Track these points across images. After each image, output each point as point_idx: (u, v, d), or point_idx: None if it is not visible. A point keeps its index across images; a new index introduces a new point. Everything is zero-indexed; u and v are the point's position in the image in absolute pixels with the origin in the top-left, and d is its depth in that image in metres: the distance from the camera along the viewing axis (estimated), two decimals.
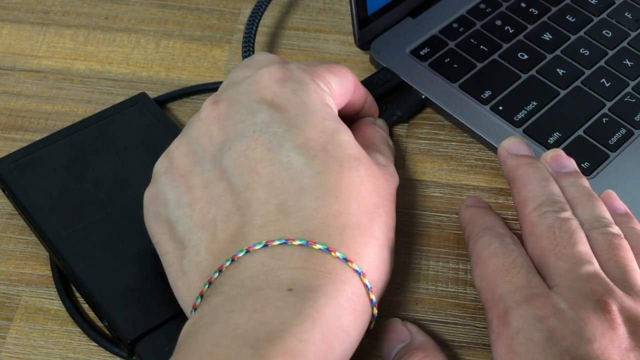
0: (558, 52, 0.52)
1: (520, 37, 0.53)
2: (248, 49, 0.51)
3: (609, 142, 0.47)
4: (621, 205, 0.43)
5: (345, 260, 0.34)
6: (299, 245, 0.34)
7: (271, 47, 0.55)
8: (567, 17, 0.54)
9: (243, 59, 0.51)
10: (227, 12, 0.57)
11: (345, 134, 0.38)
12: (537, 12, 0.55)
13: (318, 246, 0.34)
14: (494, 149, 0.47)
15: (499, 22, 0.54)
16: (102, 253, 0.41)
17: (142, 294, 0.39)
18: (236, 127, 0.37)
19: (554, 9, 0.55)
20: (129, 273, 0.40)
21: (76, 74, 0.52)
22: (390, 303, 0.41)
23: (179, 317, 0.38)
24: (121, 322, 0.38)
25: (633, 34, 0.53)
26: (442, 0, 0.55)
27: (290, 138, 0.36)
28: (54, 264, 0.42)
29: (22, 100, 0.51)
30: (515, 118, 0.48)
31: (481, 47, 0.52)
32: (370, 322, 0.35)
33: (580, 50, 0.52)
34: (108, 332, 0.40)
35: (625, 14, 0.55)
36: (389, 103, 0.50)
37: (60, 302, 0.41)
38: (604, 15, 0.55)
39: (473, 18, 0.54)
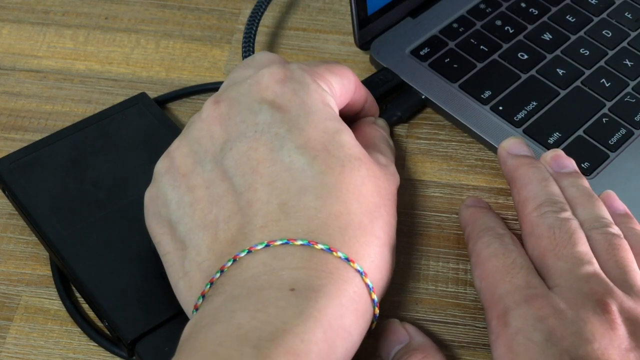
0: (558, 52, 0.52)
1: (520, 37, 0.53)
2: (248, 49, 0.51)
3: (609, 142, 0.47)
4: (621, 206, 0.43)
5: (347, 260, 0.34)
6: (301, 245, 0.34)
7: (271, 47, 0.55)
8: (567, 17, 0.54)
9: (243, 59, 0.51)
10: (227, 12, 0.57)
11: (347, 134, 0.38)
12: (537, 12, 0.55)
13: (320, 246, 0.34)
14: (494, 149, 0.47)
15: (499, 22, 0.54)
16: (102, 253, 0.41)
17: (142, 294, 0.39)
18: (237, 127, 0.37)
19: (554, 9, 0.55)
20: (129, 273, 0.40)
21: (76, 74, 0.52)
22: (391, 303, 0.41)
23: (179, 317, 0.38)
24: (121, 322, 0.38)
25: (633, 34, 0.53)
26: (442, 0, 0.55)
27: (292, 138, 0.36)
28: (54, 264, 0.42)
29: (22, 100, 0.51)
30: (515, 118, 0.48)
31: (481, 47, 0.52)
32: (372, 322, 0.35)
33: (580, 50, 0.52)
34: (108, 332, 0.40)
35: (625, 14, 0.55)
36: (389, 103, 0.50)
37: (60, 302, 0.41)
38: (604, 15, 0.55)
39: (473, 18, 0.54)
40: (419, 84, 0.50)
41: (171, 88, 0.52)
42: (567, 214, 0.40)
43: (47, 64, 0.53)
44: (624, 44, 0.53)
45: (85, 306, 0.41)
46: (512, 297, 0.36)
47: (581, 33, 0.53)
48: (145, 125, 0.47)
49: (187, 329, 0.33)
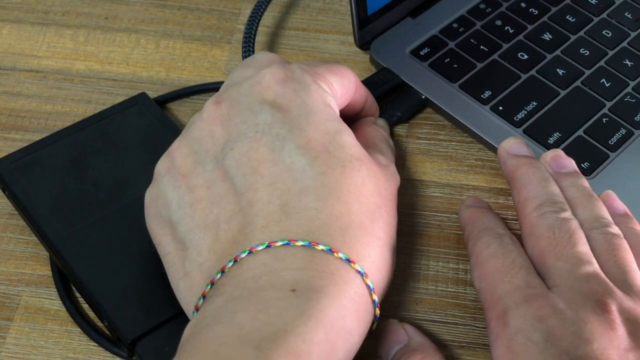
0: (558, 52, 0.52)
1: (520, 37, 0.53)
2: (248, 49, 0.51)
3: (609, 142, 0.47)
4: (620, 206, 0.43)
5: (348, 260, 0.34)
6: (302, 246, 0.34)
7: (271, 47, 0.55)
8: (567, 17, 0.54)
9: (243, 59, 0.51)
10: (227, 12, 0.57)
11: (347, 135, 0.38)
12: (537, 12, 0.55)
13: (321, 247, 0.34)
14: (494, 149, 0.47)
15: (499, 22, 0.54)
16: (102, 253, 0.41)
17: (142, 294, 0.39)
18: (238, 127, 0.37)
19: (554, 9, 0.55)
20: (129, 273, 0.40)
21: (76, 74, 0.52)
22: (391, 303, 0.41)
23: (179, 317, 0.38)
24: (121, 322, 0.38)
25: (633, 34, 0.53)
26: (442, 0, 0.55)
27: (293, 139, 0.36)
28: (54, 264, 0.42)
29: (22, 100, 0.51)
30: (515, 118, 0.48)
31: (481, 47, 0.52)
32: (373, 323, 0.35)
33: (580, 50, 0.52)
34: (108, 332, 0.40)
35: (625, 14, 0.55)
36: (389, 103, 0.50)
37: (60, 302, 0.41)
38: (604, 15, 0.55)
39: (473, 18, 0.54)
40: (419, 84, 0.50)
41: (171, 88, 0.52)
42: (567, 214, 0.40)
43: (47, 64, 0.53)
44: (624, 44, 0.53)
45: (85, 306, 0.41)
46: (512, 297, 0.36)
47: (581, 33, 0.53)
48: (145, 125, 0.47)
49: (188, 329, 0.33)
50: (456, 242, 0.44)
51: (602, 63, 0.52)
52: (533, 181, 0.42)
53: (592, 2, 0.55)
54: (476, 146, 0.49)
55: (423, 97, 0.50)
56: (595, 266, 0.37)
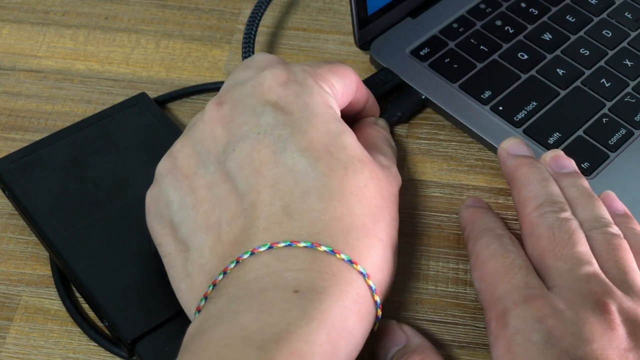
0: (558, 52, 0.52)
1: (520, 37, 0.53)
2: (248, 49, 0.51)
3: (609, 142, 0.47)
4: (620, 206, 0.43)
5: (350, 262, 0.34)
6: (304, 247, 0.34)
7: (271, 47, 0.55)
8: (567, 17, 0.54)
9: (243, 59, 0.51)
10: (227, 12, 0.57)
11: (349, 136, 0.38)
12: (537, 12, 0.55)
13: (323, 248, 0.34)
14: (494, 149, 0.47)
15: (499, 22, 0.54)
16: (102, 253, 0.41)
17: (142, 294, 0.39)
18: (240, 128, 0.37)
19: (554, 9, 0.55)
20: (129, 273, 0.40)
21: (76, 74, 0.52)
22: (391, 303, 0.41)
23: (179, 317, 0.38)
24: (121, 322, 0.38)
25: (633, 34, 0.53)
26: (442, 0, 0.55)
27: (295, 140, 0.36)
28: (54, 264, 0.42)
29: (22, 100, 0.51)
30: (515, 118, 0.48)
31: (481, 47, 0.52)
32: (374, 324, 0.35)
33: (580, 50, 0.52)
34: (108, 332, 0.40)
35: (625, 14, 0.55)
36: (389, 103, 0.50)
37: (60, 302, 0.41)
38: (604, 15, 0.55)
39: (473, 18, 0.54)
40: (419, 84, 0.50)
41: (171, 88, 0.52)
42: (567, 214, 0.40)
43: (47, 64, 0.53)
44: (624, 44, 0.53)
45: (85, 306, 0.41)
46: (511, 297, 0.36)
47: (581, 33, 0.53)
48: (145, 125, 0.47)
49: (191, 330, 0.33)
50: (456, 242, 0.44)
51: (602, 63, 0.52)
52: (533, 181, 0.42)
53: (592, 2, 0.55)
54: (476, 146, 0.49)
55: (423, 97, 0.50)
56: (595, 266, 0.37)
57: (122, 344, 0.38)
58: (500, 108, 0.49)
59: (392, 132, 0.49)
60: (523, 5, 0.55)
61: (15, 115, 0.50)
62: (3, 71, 0.52)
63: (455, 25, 0.53)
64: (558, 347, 0.34)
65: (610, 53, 0.52)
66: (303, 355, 0.30)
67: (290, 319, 0.31)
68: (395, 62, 0.51)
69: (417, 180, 0.47)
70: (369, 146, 0.42)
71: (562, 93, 0.50)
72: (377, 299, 0.35)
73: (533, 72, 0.51)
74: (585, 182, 0.43)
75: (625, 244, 0.39)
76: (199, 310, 0.34)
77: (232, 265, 0.34)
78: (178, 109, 0.51)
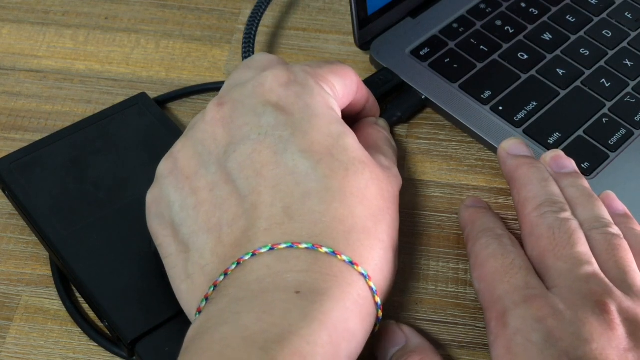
0: (558, 52, 0.52)
1: (520, 37, 0.53)
2: (248, 49, 0.51)
3: (609, 142, 0.47)
4: (620, 206, 0.43)
5: (351, 263, 0.34)
6: (305, 248, 0.34)
7: (271, 47, 0.55)
8: (567, 17, 0.54)
9: (243, 59, 0.51)
10: (227, 12, 0.57)
11: (350, 138, 0.38)
12: (537, 12, 0.55)
13: (324, 250, 0.34)
14: (494, 149, 0.47)
15: (499, 22, 0.54)
16: (102, 253, 0.41)
17: (142, 294, 0.39)
18: (241, 129, 0.37)
19: (554, 9, 0.55)
20: (129, 273, 0.40)
21: (76, 74, 0.52)
22: (391, 303, 0.41)
23: (179, 317, 0.38)
24: (121, 322, 0.38)
25: (633, 34, 0.53)
26: (442, 0, 0.55)
27: (296, 142, 0.36)
28: (54, 264, 0.42)
29: (22, 100, 0.51)
30: (515, 118, 0.48)
31: (481, 47, 0.52)
32: (375, 325, 0.35)
33: (580, 50, 0.52)
34: (108, 332, 0.40)
35: (625, 14, 0.55)
36: (389, 103, 0.50)
37: (60, 302, 0.41)
38: (604, 15, 0.55)
39: (473, 18, 0.54)
40: (419, 84, 0.50)
41: (171, 88, 0.52)
42: (567, 214, 0.40)
43: (47, 64, 0.53)
44: (624, 44, 0.53)
45: (85, 306, 0.41)
46: (511, 297, 0.36)
47: (581, 33, 0.53)
48: (145, 125, 0.47)
49: (192, 330, 0.33)
50: (456, 242, 0.44)
51: (602, 63, 0.52)
52: (533, 181, 0.42)
53: (592, 2, 0.55)
54: (476, 146, 0.49)
55: (423, 97, 0.50)
56: (594, 266, 0.37)
57: (122, 344, 0.38)
58: (500, 108, 0.49)
59: (392, 132, 0.49)
60: (523, 5, 0.55)
61: (15, 115, 0.50)
62: (3, 71, 0.53)
63: (455, 25, 0.53)
64: (558, 347, 0.34)
65: (610, 53, 0.52)
66: (305, 355, 0.30)
67: (292, 320, 0.31)
68: (395, 62, 0.51)
69: (417, 180, 0.47)
70: (370, 147, 0.42)
71: (562, 93, 0.50)
72: (378, 300, 0.35)
73: (533, 72, 0.51)
74: (585, 182, 0.43)
75: (625, 244, 0.39)
76: (199, 311, 0.34)
77: (233, 267, 0.34)
78: (178, 109, 0.51)
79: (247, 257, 0.34)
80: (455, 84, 0.50)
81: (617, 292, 0.36)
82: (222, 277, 0.34)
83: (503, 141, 0.45)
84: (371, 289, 0.34)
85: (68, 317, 0.41)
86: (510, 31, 0.53)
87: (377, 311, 0.35)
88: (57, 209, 0.42)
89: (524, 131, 0.48)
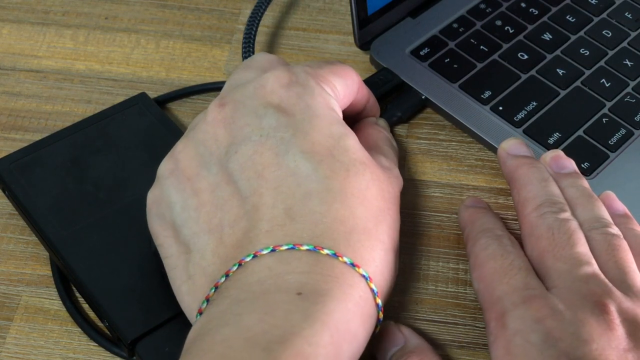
0: (558, 52, 0.52)
1: (520, 37, 0.53)
2: (248, 49, 0.51)
3: (609, 142, 0.47)
4: (620, 206, 0.43)
5: (353, 265, 0.34)
6: (307, 250, 0.34)
7: (271, 47, 0.55)
8: (567, 17, 0.54)
9: (243, 59, 0.51)
10: (227, 12, 0.57)
11: (351, 139, 0.38)
12: (537, 12, 0.55)
13: (325, 251, 0.34)
14: (494, 149, 0.47)
15: (499, 22, 0.54)
16: (102, 253, 0.41)
17: (142, 294, 0.39)
18: (242, 130, 0.37)
19: (554, 9, 0.55)
20: (129, 273, 0.40)
21: (76, 74, 0.52)
22: (391, 303, 0.41)
23: (179, 318, 0.38)
24: (121, 322, 0.38)
25: (633, 34, 0.53)
26: (442, 0, 0.55)
27: (297, 143, 0.36)
28: (54, 264, 0.42)
29: (22, 100, 0.51)
30: (515, 118, 0.48)
31: (481, 47, 0.52)
32: (376, 326, 0.35)
33: (580, 50, 0.52)
34: (108, 332, 0.40)
35: (625, 14, 0.55)
36: (389, 103, 0.50)
37: (60, 302, 0.41)
38: (604, 15, 0.55)
39: (473, 18, 0.54)
40: (419, 84, 0.50)
41: (171, 88, 0.52)
42: (567, 214, 0.40)
43: (47, 64, 0.53)
44: (624, 44, 0.53)
45: (85, 306, 0.41)
46: (510, 298, 0.36)
47: (581, 33, 0.53)
48: (145, 125, 0.47)
49: (193, 332, 0.33)
50: (456, 242, 0.44)
51: (602, 63, 0.52)
52: (533, 181, 0.42)
53: (592, 2, 0.55)
54: (476, 146, 0.49)
55: (423, 97, 0.50)
56: (594, 267, 0.37)
57: (122, 344, 0.38)
58: (500, 108, 0.49)
59: (392, 132, 0.49)
60: (523, 5, 0.55)
61: (15, 115, 0.50)
62: (3, 71, 0.53)
63: (455, 25, 0.53)
64: (557, 348, 0.34)
65: (610, 53, 0.52)
66: (307, 356, 0.30)
67: (294, 321, 0.31)
68: (395, 62, 0.51)
69: (417, 180, 0.47)
70: (371, 147, 0.42)
71: (562, 93, 0.50)
72: (379, 301, 0.35)
73: (533, 72, 0.51)
74: (585, 182, 0.43)
75: (624, 245, 0.39)
76: (200, 313, 0.34)
77: (235, 268, 0.34)
78: (178, 109, 0.51)
79: (248, 259, 0.34)
80: (455, 84, 0.50)
81: (617, 293, 0.36)
82: (223, 279, 0.34)
83: (503, 141, 0.45)
84: (372, 290, 0.34)
85: (68, 317, 0.41)
86: (510, 31, 0.53)
87: (378, 312, 0.35)
88: (57, 209, 0.42)
89: (524, 131, 0.48)
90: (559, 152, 0.44)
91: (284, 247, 0.34)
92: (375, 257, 0.35)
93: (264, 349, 0.30)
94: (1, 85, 0.52)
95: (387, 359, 0.37)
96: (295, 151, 0.36)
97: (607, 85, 0.50)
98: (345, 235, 0.35)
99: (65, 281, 0.42)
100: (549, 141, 0.47)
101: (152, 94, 0.50)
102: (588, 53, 0.52)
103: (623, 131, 0.48)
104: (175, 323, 0.38)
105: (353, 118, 0.45)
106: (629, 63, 0.52)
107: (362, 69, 0.52)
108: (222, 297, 0.33)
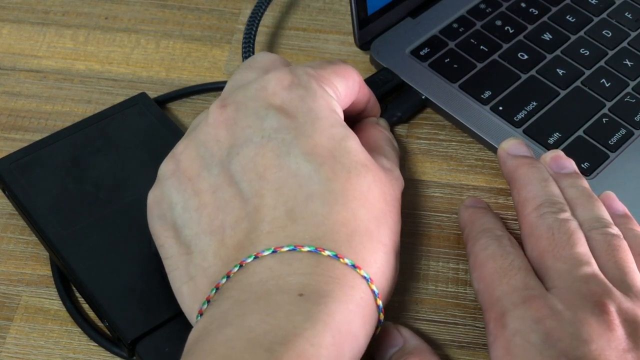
0: (558, 52, 0.52)
1: (520, 37, 0.53)
2: (248, 49, 0.51)
3: (609, 142, 0.47)
4: (620, 207, 0.43)
5: (354, 266, 0.34)
6: (308, 251, 0.34)
7: (271, 47, 0.55)
8: (567, 17, 0.54)
9: (243, 59, 0.51)
10: (227, 12, 0.57)
11: (353, 140, 0.38)
12: (537, 12, 0.55)
13: (327, 253, 0.34)
14: (494, 149, 0.47)
15: (499, 22, 0.54)
16: (102, 253, 0.41)
17: (142, 294, 0.39)
18: (244, 132, 0.37)
19: (554, 9, 0.55)
20: (129, 273, 0.40)
21: (76, 74, 0.52)
22: (391, 303, 0.41)
23: (179, 318, 0.38)
24: (121, 322, 0.38)
25: (633, 34, 0.53)
26: (442, 0, 0.55)
27: (299, 145, 0.36)
28: (54, 264, 0.42)
29: (22, 100, 0.51)
30: (515, 118, 0.48)
31: (481, 47, 0.52)
32: (377, 328, 0.35)
33: (580, 50, 0.52)
34: (108, 332, 0.40)
35: (625, 14, 0.55)
36: (389, 103, 0.50)
37: (60, 302, 0.41)
38: (604, 15, 0.55)
39: (473, 18, 0.54)
40: (419, 84, 0.50)
41: (171, 88, 0.52)
42: (567, 214, 0.40)
43: (47, 64, 0.53)
44: (624, 44, 0.53)
45: (85, 306, 0.41)
46: (510, 298, 0.36)
47: (581, 33, 0.53)
48: (145, 125, 0.47)
49: (195, 332, 0.33)
50: (456, 242, 0.44)
51: (602, 63, 0.52)
52: (533, 181, 0.42)
53: (592, 2, 0.55)
54: (476, 146, 0.49)
55: (423, 97, 0.50)
56: (594, 267, 0.37)
57: (122, 344, 0.38)
58: (500, 108, 0.49)
59: (392, 132, 0.49)
60: (523, 5, 0.55)
61: (15, 115, 0.50)
62: (3, 71, 0.53)
63: (455, 25, 0.53)
64: (557, 348, 0.34)
65: (610, 53, 0.52)
66: (309, 357, 0.30)
67: (296, 322, 0.31)
68: (395, 62, 0.51)
69: (417, 180, 0.47)
70: (372, 148, 0.42)
71: (562, 93, 0.50)
72: (380, 302, 0.35)
73: (533, 72, 0.51)
74: (585, 182, 0.43)
75: (624, 245, 0.39)
76: (200, 314, 0.34)
77: (236, 269, 0.34)
78: (178, 109, 0.51)
79: (249, 260, 0.34)
80: (455, 84, 0.50)
81: (617, 293, 0.36)
82: (224, 280, 0.34)
83: (503, 141, 0.45)
84: (373, 292, 0.34)
85: (68, 317, 0.41)
86: (510, 31, 0.53)
87: (379, 314, 0.35)
88: (57, 209, 0.42)
89: (524, 131, 0.48)
90: (559, 152, 0.44)
91: (285, 249, 0.34)
92: (376, 258, 0.35)
93: (267, 350, 0.30)
94: (1, 85, 0.52)
95: (386, 359, 0.37)
96: (297, 153, 0.36)
97: (607, 85, 0.50)
98: (347, 237, 0.35)
99: (65, 281, 0.42)
100: (549, 141, 0.47)
101: (152, 94, 0.50)
102: (588, 53, 0.52)
103: (623, 131, 0.48)
104: (175, 323, 0.38)
105: (354, 118, 0.45)
106: (629, 63, 0.52)
107: (362, 69, 0.52)
108: (224, 298, 0.33)
